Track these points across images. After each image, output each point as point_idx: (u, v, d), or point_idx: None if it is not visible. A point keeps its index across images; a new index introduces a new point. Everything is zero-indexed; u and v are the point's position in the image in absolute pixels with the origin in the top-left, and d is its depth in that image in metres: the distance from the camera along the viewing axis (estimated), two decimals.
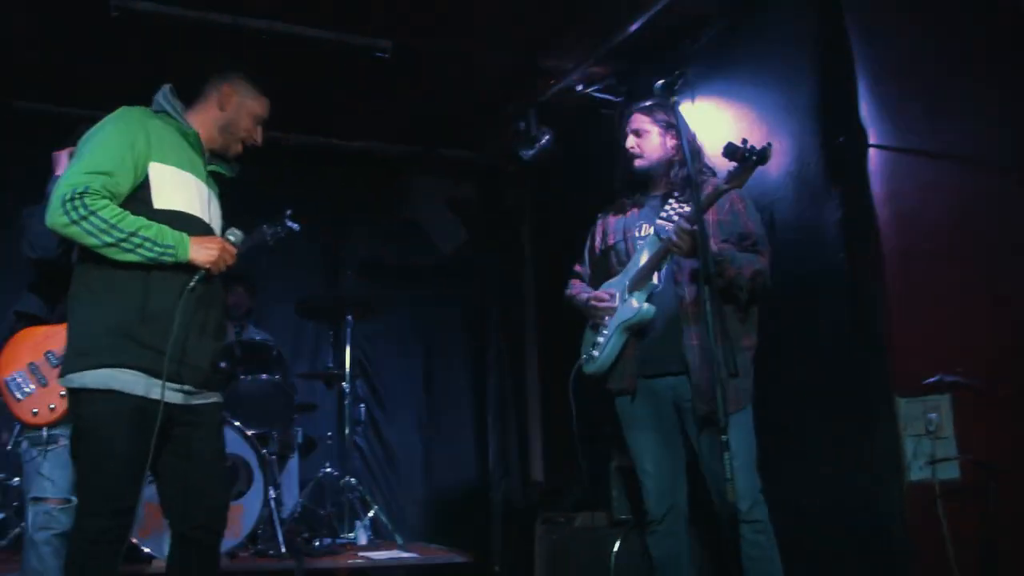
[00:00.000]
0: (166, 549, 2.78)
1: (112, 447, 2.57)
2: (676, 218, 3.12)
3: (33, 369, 3.31)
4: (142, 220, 2.63)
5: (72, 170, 2.63)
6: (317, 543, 4.86)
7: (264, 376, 4.83)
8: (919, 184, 3.55)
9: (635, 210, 3.51)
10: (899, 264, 3.57)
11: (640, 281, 3.30)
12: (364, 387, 6.49)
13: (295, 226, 3.67)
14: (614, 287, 3.42)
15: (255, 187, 6.19)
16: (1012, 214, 3.32)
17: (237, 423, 4.45)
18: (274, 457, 4.64)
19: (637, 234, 3.44)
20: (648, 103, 3.51)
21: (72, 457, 2.76)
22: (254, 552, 4.51)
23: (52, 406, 3.26)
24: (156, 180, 2.72)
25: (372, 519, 5.38)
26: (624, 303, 3.34)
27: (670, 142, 3.42)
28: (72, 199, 2.53)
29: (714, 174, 3.28)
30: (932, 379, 3.37)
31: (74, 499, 3.23)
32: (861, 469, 3.60)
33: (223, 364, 2.87)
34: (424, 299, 6.79)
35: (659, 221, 3.26)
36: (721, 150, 2.91)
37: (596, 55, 5.16)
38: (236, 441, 4.41)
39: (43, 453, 3.25)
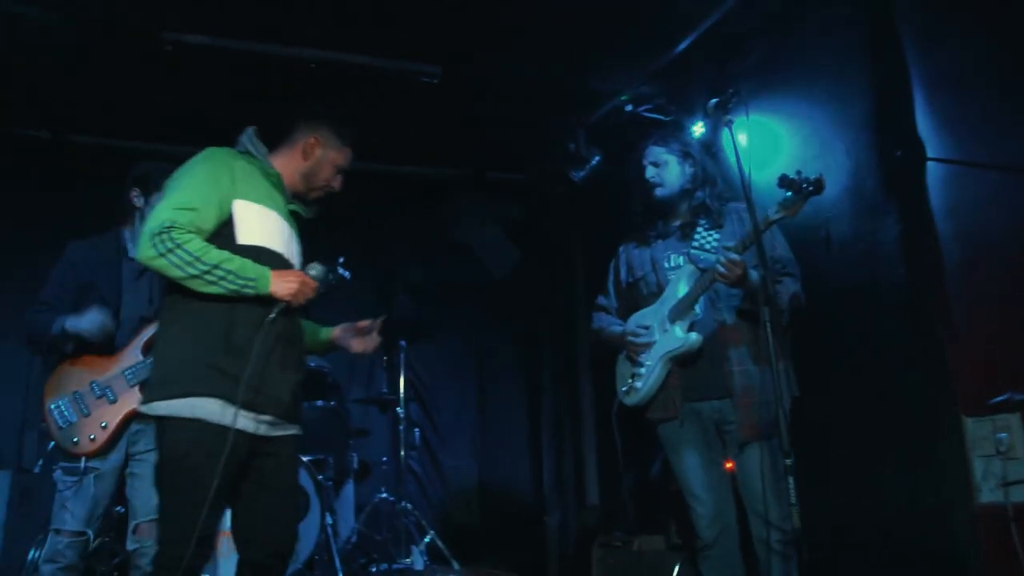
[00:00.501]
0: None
1: (196, 475, 2.59)
2: (716, 248, 3.20)
3: (78, 398, 3.36)
4: (225, 254, 2.70)
5: (160, 206, 2.72)
6: (374, 569, 4.86)
7: (319, 402, 4.86)
8: (980, 197, 3.47)
9: (659, 240, 3.55)
10: (961, 279, 3.49)
11: (682, 311, 3.33)
12: (418, 411, 6.50)
13: (346, 274, 3.68)
14: (648, 318, 3.45)
15: (316, 215, 6.31)
16: None
17: None
18: (330, 483, 4.66)
19: (667, 264, 3.48)
20: (662, 134, 3.65)
21: (155, 485, 2.81)
22: None
23: (92, 436, 3.32)
24: (240, 217, 2.80)
25: (428, 544, 5.37)
26: (665, 334, 3.36)
27: (688, 170, 3.51)
28: (160, 233, 2.62)
29: (727, 200, 3.46)
30: (1001, 397, 3.26)
31: (89, 532, 3.33)
32: (928, 492, 3.51)
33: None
34: (476, 322, 6.80)
35: (693, 251, 3.36)
36: (777, 181, 2.96)
37: (644, 75, 5.15)
38: None
39: (76, 485, 3.31)
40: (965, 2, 3.61)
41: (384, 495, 5.39)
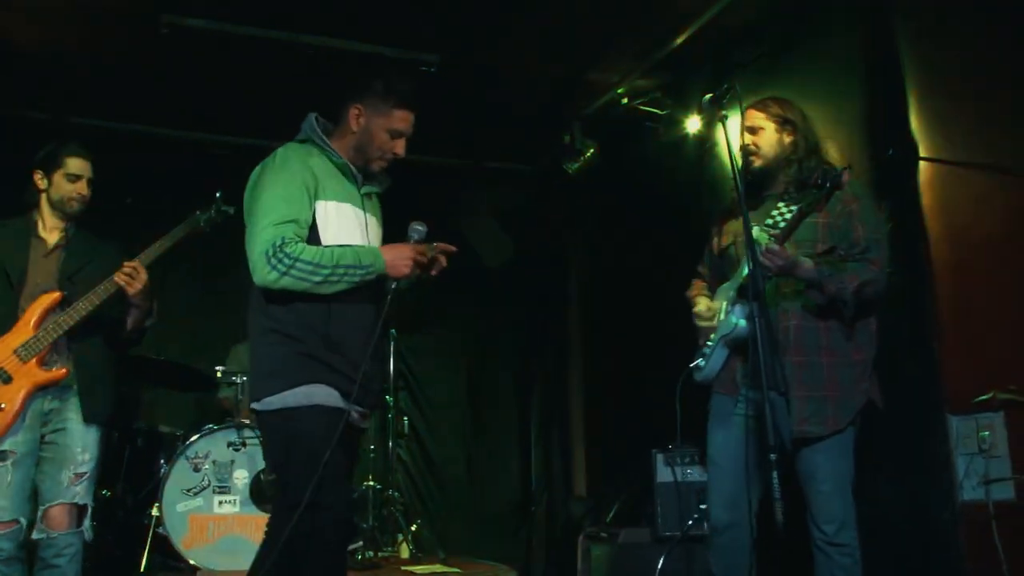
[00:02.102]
0: (212, 561, 2.80)
1: (331, 455, 2.62)
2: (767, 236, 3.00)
3: None
4: (336, 249, 2.74)
5: (262, 225, 2.72)
6: (360, 557, 4.87)
7: None
8: (970, 197, 3.48)
9: (750, 211, 3.12)
10: (950, 279, 3.51)
11: (743, 294, 3.08)
12: (408, 400, 6.51)
13: (229, 209, 3.70)
14: (721, 294, 3.28)
15: None
16: None
17: None
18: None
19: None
20: (763, 98, 3.31)
21: (277, 472, 2.89)
22: None
23: (2, 405, 3.30)
24: (322, 218, 2.81)
25: (415, 533, 5.38)
26: (728, 315, 3.18)
27: (787, 138, 3.19)
28: (275, 254, 2.65)
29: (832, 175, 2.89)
30: (985, 396, 3.28)
31: (22, 520, 3.30)
32: (912, 488, 3.54)
33: None
34: (469, 312, 6.81)
35: (757, 231, 3.05)
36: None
37: (642, 68, 5.15)
38: None
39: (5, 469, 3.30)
40: (959, 6, 3.62)
41: (371, 483, 5.40)
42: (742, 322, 3.05)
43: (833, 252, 3.03)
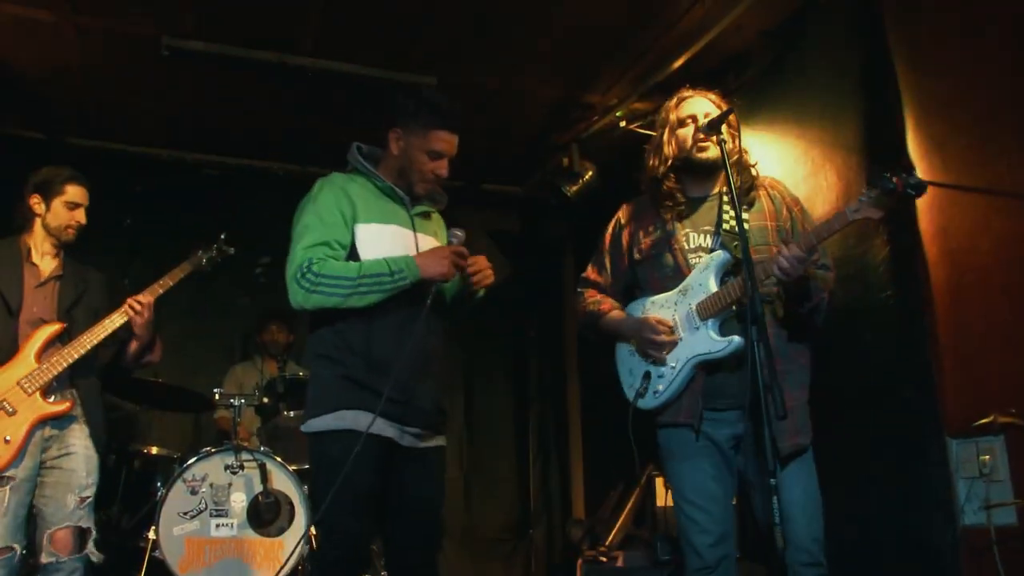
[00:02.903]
0: None
1: (347, 479, 2.65)
2: (752, 231, 2.82)
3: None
4: (365, 262, 2.78)
5: (295, 249, 2.80)
6: None
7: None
8: (968, 220, 3.48)
9: (675, 215, 3.01)
10: (949, 302, 3.51)
11: (717, 309, 2.81)
12: None
13: (231, 250, 3.80)
14: (665, 308, 2.95)
15: None
16: None
17: (279, 459, 4.47)
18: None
19: (686, 245, 2.96)
20: (718, 93, 3.08)
21: (310, 495, 2.97)
22: None
23: (7, 438, 3.31)
24: (362, 240, 2.85)
25: None
26: (696, 332, 2.86)
27: (732, 141, 2.93)
28: (303, 275, 2.73)
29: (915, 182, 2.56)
30: (985, 420, 3.27)
31: (16, 547, 3.29)
32: (912, 512, 3.53)
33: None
34: (465, 332, 6.79)
35: (726, 234, 2.87)
36: (867, 175, 2.63)
37: (639, 91, 5.18)
38: (279, 477, 4.42)
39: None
40: (957, 29, 3.64)
41: None
42: (736, 339, 2.76)
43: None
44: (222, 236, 3.85)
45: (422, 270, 2.77)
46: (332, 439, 2.76)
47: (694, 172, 2.99)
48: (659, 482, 4.32)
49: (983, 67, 3.50)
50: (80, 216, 3.64)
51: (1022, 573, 3.11)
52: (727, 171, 2.71)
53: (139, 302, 3.54)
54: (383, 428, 2.74)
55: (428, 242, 2.99)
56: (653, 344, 2.92)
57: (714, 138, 2.82)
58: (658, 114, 3.17)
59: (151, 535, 4.15)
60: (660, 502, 4.28)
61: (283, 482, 4.43)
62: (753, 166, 3.01)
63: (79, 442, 3.49)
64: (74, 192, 3.64)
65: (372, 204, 2.92)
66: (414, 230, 2.97)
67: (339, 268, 2.75)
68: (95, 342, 3.48)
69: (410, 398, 2.79)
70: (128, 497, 4.62)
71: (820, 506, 2.79)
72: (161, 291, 3.66)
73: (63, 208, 3.61)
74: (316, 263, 2.73)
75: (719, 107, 3.01)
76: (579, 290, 3.27)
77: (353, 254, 2.84)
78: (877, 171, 2.53)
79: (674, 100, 3.09)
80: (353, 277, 2.72)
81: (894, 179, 2.48)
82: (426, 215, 3.08)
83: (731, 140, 2.92)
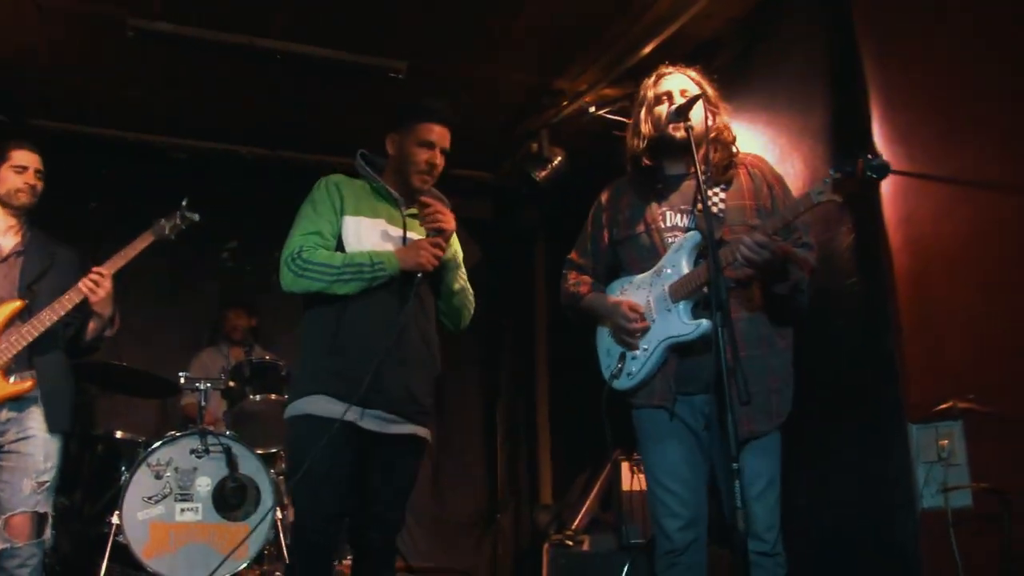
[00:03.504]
0: (174, 570, 2.84)
1: (313, 463, 2.80)
2: (724, 212, 2.81)
3: None
4: (349, 254, 2.96)
5: (291, 235, 3.00)
6: None
7: (272, 396, 4.82)
8: (932, 209, 3.52)
9: (657, 193, 3.00)
10: (912, 289, 3.55)
11: (689, 291, 2.80)
12: None
13: (194, 216, 3.73)
14: (640, 290, 2.95)
15: (270, 205, 6.26)
16: None
17: (246, 443, 4.45)
18: (282, 477, 4.62)
19: (664, 223, 2.95)
20: (696, 69, 3.06)
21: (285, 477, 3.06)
22: (260, 574, 4.49)
23: None
24: (347, 231, 3.03)
25: None
26: (668, 314, 2.84)
27: (712, 118, 2.94)
28: (293, 259, 2.92)
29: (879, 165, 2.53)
30: (944, 405, 3.32)
31: None
32: (873, 496, 3.58)
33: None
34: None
35: (699, 214, 2.81)
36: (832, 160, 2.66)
37: (609, 77, 5.18)
38: (245, 461, 4.40)
39: None
40: (922, 21, 3.67)
41: None
42: (705, 322, 2.75)
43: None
44: (184, 203, 3.76)
45: (401, 262, 2.93)
46: (297, 424, 2.93)
47: (670, 150, 2.96)
48: (624, 466, 4.35)
49: (948, 59, 3.53)
50: (29, 178, 3.56)
51: (977, 553, 3.16)
52: (694, 156, 2.68)
53: (97, 273, 3.45)
54: (339, 410, 2.82)
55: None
56: (624, 331, 2.93)
57: (682, 124, 2.78)
58: (637, 91, 3.13)
59: (115, 520, 4.12)
60: (626, 486, 4.31)
61: (249, 466, 4.41)
62: (732, 142, 2.98)
63: (37, 425, 3.42)
64: (20, 156, 3.57)
65: (363, 201, 3.09)
66: (404, 229, 3.09)
67: (325, 256, 2.92)
68: (54, 319, 3.40)
69: (376, 382, 2.83)
70: (91, 482, 4.58)
71: (778, 494, 2.79)
72: (122, 263, 3.55)
73: (11, 173, 3.54)
74: (306, 250, 2.91)
75: (698, 84, 2.99)
76: (563, 272, 3.27)
77: (340, 245, 3.01)
78: (841, 154, 2.56)
79: (652, 77, 3.08)
80: (337, 266, 2.89)
81: (857, 161, 2.48)
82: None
83: (712, 117, 2.93)
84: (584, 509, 4.77)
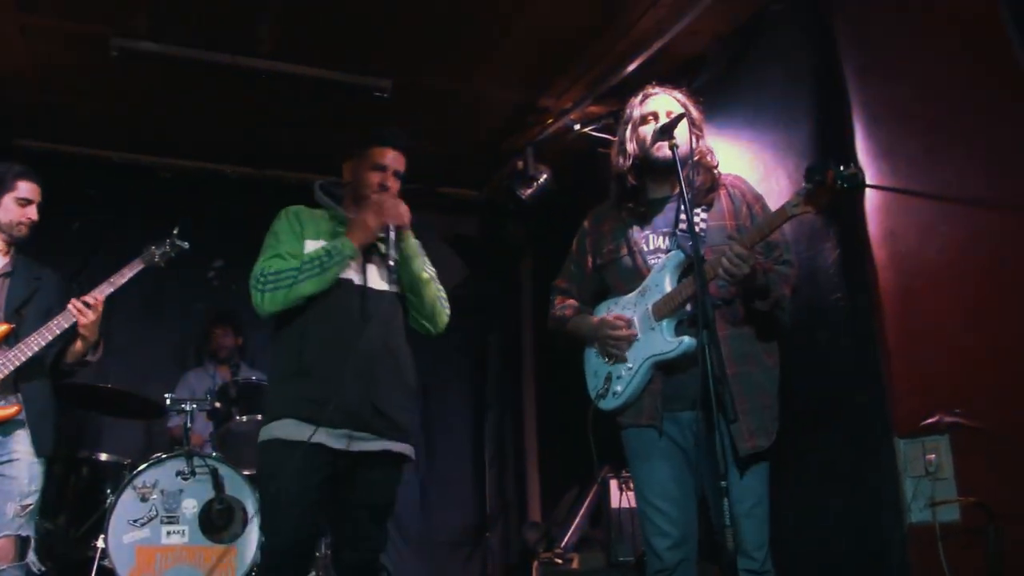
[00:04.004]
0: None
1: (280, 488, 2.85)
2: (705, 232, 2.83)
3: None
4: (306, 254, 3.00)
5: (255, 266, 3.02)
6: None
7: (259, 416, 4.78)
8: (916, 224, 3.54)
9: (637, 215, 3.03)
10: (896, 305, 3.56)
11: (671, 309, 2.82)
12: None
13: (184, 244, 3.77)
14: (626, 309, 2.96)
15: (256, 224, 6.25)
16: (1010, 253, 3.32)
17: (232, 465, 4.41)
18: None
19: (647, 246, 2.98)
20: (681, 89, 3.08)
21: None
22: None
23: None
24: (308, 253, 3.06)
25: None
26: (651, 332, 2.86)
27: (695, 141, 2.94)
28: (257, 280, 2.96)
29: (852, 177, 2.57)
30: (931, 420, 3.33)
31: None
32: (861, 511, 3.57)
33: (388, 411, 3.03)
34: (422, 336, 6.76)
35: (681, 234, 2.87)
36: (804, 172, 2.64)
37: (594, 95, 5.20)
38: (231, 483, 4.37)
39: None
40: (906, 37, 3.70)
41: None
42: (687, 339, 2.77)
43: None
44: (175, 231, 3.78)
45: (353, 239, 2.99)
46: (267, 449, 2.94)
47: (654, 171, 2.99)
48: (613, 484, 4.34)
49: (931, 75, 3.55)
50: (32, 212, 3.58)
51: (966, 568, 3.17)
52: (678, 175, 2.71)
53: (86, 301, 3.46)
54: (305, 433, 2.83)
55: (377, 261, 3.12)
56: (611, 340, 2.94)
57: (667, 143, 2.81)
58: (623, 109, 3.16)
59: (99, 544, 4.08)
60: (615, 504, 4.30)
61: (236, 488, 4.38)
62: (715, 167, 3.01)
63: (23, 448, 3.41)
64: (26, 188, 3.58)
65: (323, 226, 3.14)
66: (363, 252, 3.10)
67: (284, 264, 2.96)
68: (42, 344, 3.40)
69: (342, 401, 2.84)
70: (76, 505, 4.53)
71: (767, 513, 2.80)
72: (111, 290, 3.57)
73: (14, 204, 3.55)
74: (268, 268, 2.96)
75: (683, 105, 3.01)
76: (550, 298, 3.31)
77: None
78: (813, 167, 2.57)
79: (639, 96, 3.10)
80: (296, 267, 2.93)
81: (826, 171, 2.51)
82: (381, 239, 3.14)
83: (695, 140, 2.95)
84: (573, 527, 4.76)
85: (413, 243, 3.18)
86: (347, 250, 2.98)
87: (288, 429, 2.87)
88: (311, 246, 3.05)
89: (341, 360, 2.87)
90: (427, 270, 3.20)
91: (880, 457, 3.53)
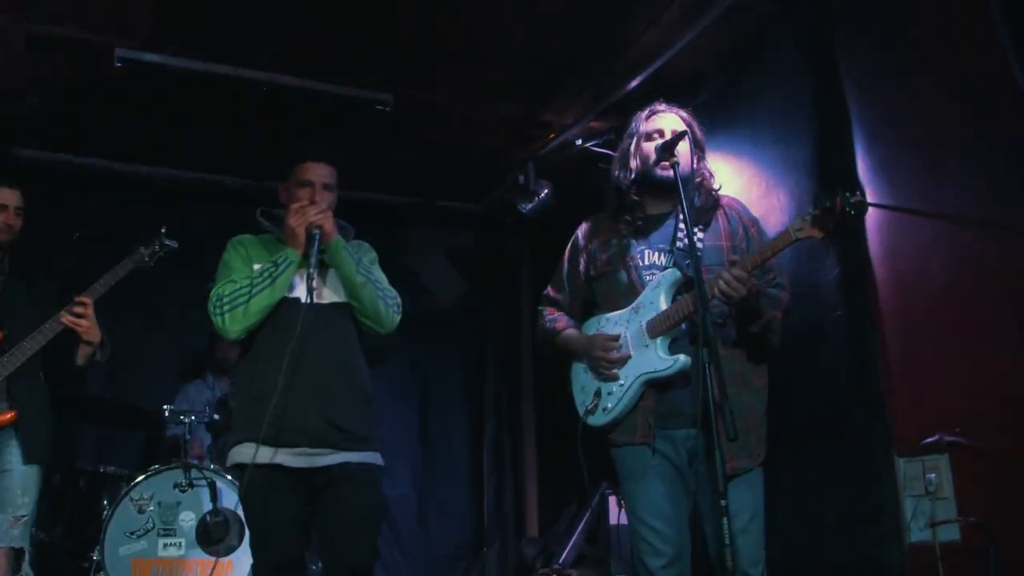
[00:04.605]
0: None
1: (255, 512, 2.97)
2: (703, 251, 2.83)
3: None
4: (255, 271, 3.08)
5: (210, 294, 3.09)
6: None
7: None
8: (917, 243, 3.54)
9: (634, 230, 3.03)
10: (897, 322, 3.56)
11: (667, 327, 2.83)
12: None
13: (173, 243, 3.77)
14: (618, 325, 2.96)
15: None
16: (1010, 273, 3.33)
17: (230, 477, 4.40)
18: None
19: (643, 261, 2.98)
20: (686, 110, 3.11)
21: None
22: None
23: None
24: None
25: None
26: (645, 350, 2.86)
27: (696, 162, 2.97)
28: (214, 305, 3.03)
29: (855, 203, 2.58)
30: (931, 439, 3.33)
31: None
32: (861, 529, 3.57)
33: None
34: (421, 349, 6.77)
35: (679, 252, 2.88)
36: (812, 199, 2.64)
37: (595, 110, 5.21)
38: (228, 495, 4.35)
39: None
40: (905, 53, 3.71)
41: None
42: (682, 358, 2.78)
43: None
44: (163, 230, 3.78)
45: (292, 245, 3.05)
46: (236, 474, 3.17)
47: (654, 188, 3.00)
48: (612, 501, 4.32)
49: (931, 93, 3.56)
50: (9, 218, 3.58)
51: None
52: (679, 192, 2.73)
53: (81, 303, 3.46)
54: (263, 455, 2.88)
55: (328, 277, 3.18)
56: (602, 361, 2.94)
57: (669, 161, 2.83)
58: (628, 123, 3.17)
59: (95, 556, 4.07)
60: (614, 520, 4.28)
61: (233, 500, 4.37)
62: (716, 190, 3.04)
63: (15, 459, 3.39)
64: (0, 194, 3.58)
65: (263, 250, 3.20)
66: (312, 269, 3.06)
67: (232, 283, 3.05)
68: (34, 349, 3.40)
69: (284, 419, 2.89)
70: (73, 517, 4.52)
71: (763, 529, 2.80)
72: (102, 290, 3.57)
73: None
74: (221, 291, 3.04)
75: (688, 125, 3.03)
76: (539, 308, 3.29)
77: None
78: (821, 191, 2.58)
79: (645, 112, 3.12)
80: (247, 284, 3.02)
81: (835, 198, 2.53)
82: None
83: (697, 161, 2.97)
84: (571, 543, 4.74)
85: (340, 248, 3.13)
86: (291, 255, 3.04)
87: (246, 453, 2.91)
88: (257, 269, 3.12)
89: (290, 378, 2.89)
90: (361, 273, 3.16)
91: (880, 475, 3.52)
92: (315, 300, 3.00)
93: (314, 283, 2.99)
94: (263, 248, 3.21)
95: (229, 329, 3.01)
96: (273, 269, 3.02)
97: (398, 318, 3.26)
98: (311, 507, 2.97)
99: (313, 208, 3.08)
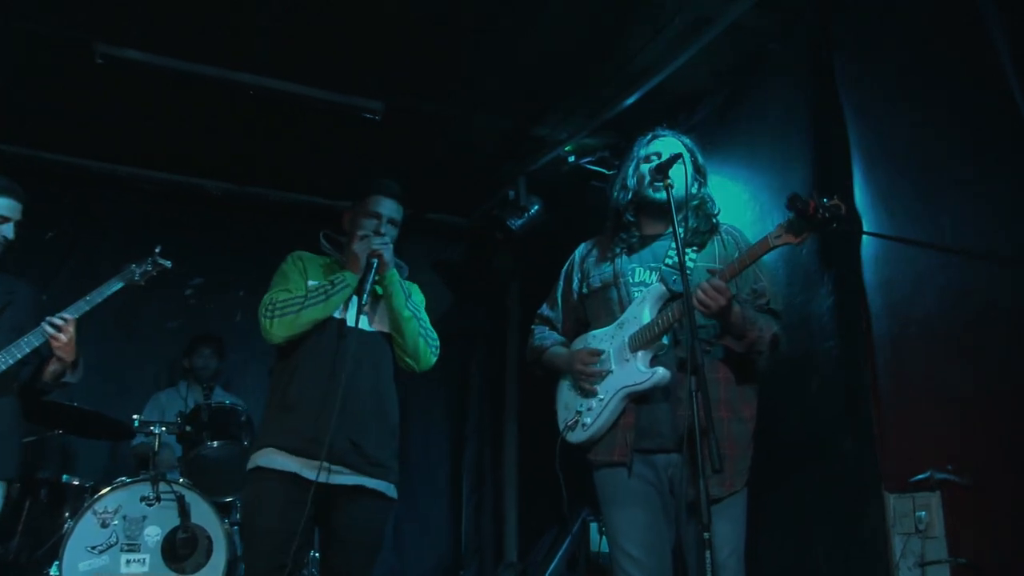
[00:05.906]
0: None
1: (259, 518, 3.03)
2: (693, 270, 2.83)
3: None
4: (310, 285, 3.23)
5: (264, 297, 3.22)
6: None
7: (228, 441, 4.64)
8: (912, 273, 3.47)
9: (628, 250, 3.09)
10: (890, 354, 3.48)
11: (647, 340, 2.84)
12: None
13: (167, 263, 3.69)
14: (603, 341, 2.99)
15: (237, 241, 6.15)
16: (1006, 305, 3.25)
17: (199, 491, 4.26)
18: (236, 527, 4.43)
19: (632, 279, 3.02)
20: (686, 133, 3.19)
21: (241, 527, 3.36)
22: None
23: None
24: None
25: None
26: (625, 364, 2.87)
27: (692, 173, 3.00)
28: (265, 308, 3.16)
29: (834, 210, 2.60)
30: (922, 475, 3.23)
31: None
32: (849, 565, 3.48)
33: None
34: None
35: (666, 269, 2.90)
36: (786, 201, 2.61)
37: (590, 127, 5.13)
38: (198, 510, 4.21)
39: None
40: (905, 80, 3.65)
41: None
42: (660, 370, 2.79)
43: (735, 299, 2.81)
44: (157, 250, 3.72)
45: (350, 269, 3.19)
46: (249, 477, 3.09)
47: (649, 209, 3.06)
48: (594, 527, 4.22)
49: (929, 120, 3.50)
50: (7, 231, 3.44)
51: None
52: (672, 213, 2.72)
53: (57, 325, 3.33)
54: (286, 463, 3.00)
55: (377, 308, 3.31)
56: (583, 375, 2.98)
57: (663, 183, 2.84)
58: (629, 146, 3.24)
59: (53, 572, 3.91)
60: (595, 547, 4.18)
61: (202, 516, 4.22)
62: (715, 215, 3.08)
63: None
64: (4, 205, 3.44)
65: (321, 270, 3.35)
66: (360, 295, 3.21)
67: (288, 293, 3.19)
68: (10, 362, 3.29)
69: (321, 435, 2.95)
70: (31, 530, 4.35)
71: (742, 560, 2.77)
72: (87, 308, 3.47)
73: None
74: (275, 296, 3.18)
75: (689, 150, 3.09)
76: (532, 326, 3.37)
77: None
78: (794, 197, 2.57)
79: (648, 135, 3.18)
80: (302, 295, 3.16)
81: (809, 201, 2.53)
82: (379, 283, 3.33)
83: (697, 187, 3.03)
84: (550, 569, 4.63)
85: (395, 281, 3.28)
86: (348, 278, 3.17)
87: (271, 458, 3.02)
88: (310, 286, 3.25)
89: (324, 396, 3.00)
90: (409, 308, 3.30)
91: (868, 511, 3.44)
92: (361, 326, 3.14)
93: (365, 308, 3.13)
94: (320, 268, 3.37)
95: (275, 333, 3.13)
96: (329, 287, 3.16)
97: (434, 360, 3.40)
98: (319, 522, 3.10)
99: (378, 238, 3.22)
